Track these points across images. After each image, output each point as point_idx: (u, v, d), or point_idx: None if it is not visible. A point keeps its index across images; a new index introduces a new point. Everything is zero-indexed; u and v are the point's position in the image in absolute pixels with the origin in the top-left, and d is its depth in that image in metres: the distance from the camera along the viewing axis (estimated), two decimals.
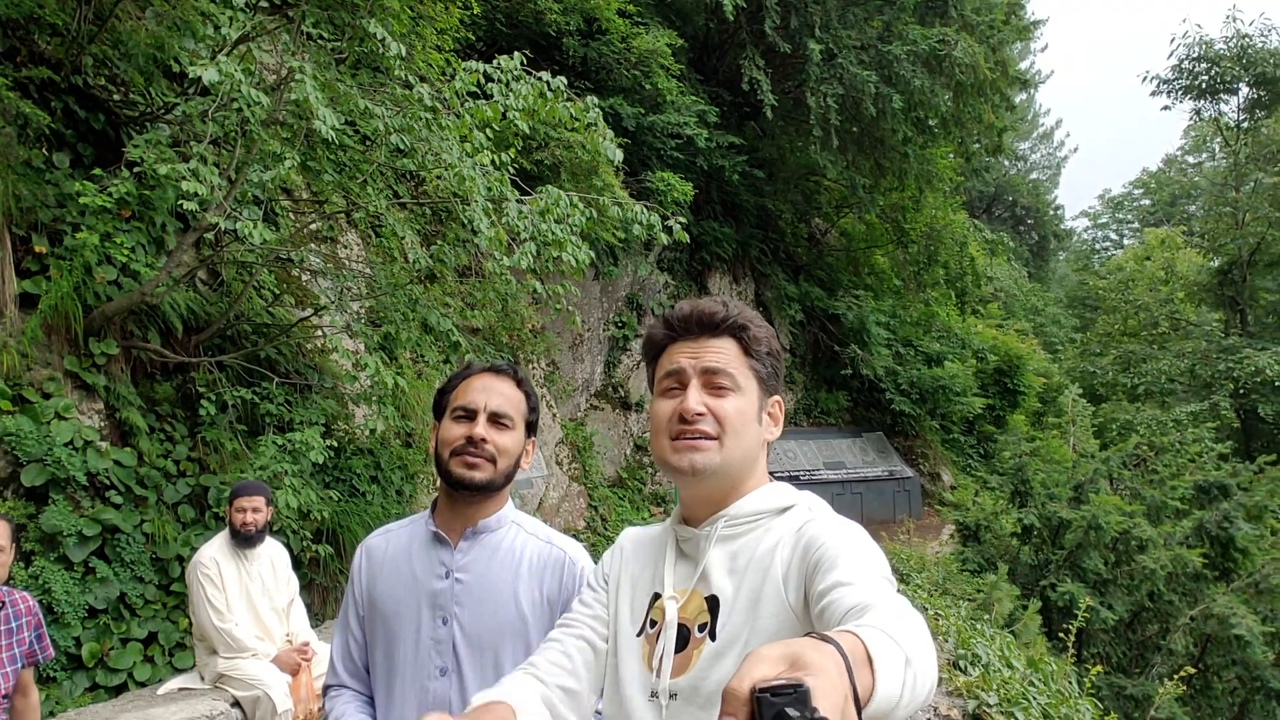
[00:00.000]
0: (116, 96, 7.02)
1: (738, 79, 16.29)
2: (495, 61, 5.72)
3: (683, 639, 1.39)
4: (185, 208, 4.53)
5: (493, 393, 2.07)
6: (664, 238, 6.90)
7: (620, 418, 15.78)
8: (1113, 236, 49.13)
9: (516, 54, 5.76)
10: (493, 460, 2.01)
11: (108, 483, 5.75)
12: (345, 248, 9.37)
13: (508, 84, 5.65)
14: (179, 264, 6.33)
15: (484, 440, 1.99)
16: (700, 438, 1.40)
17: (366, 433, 7.31)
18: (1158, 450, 12.49)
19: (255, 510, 4.80)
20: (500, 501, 2.14)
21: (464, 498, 2.04)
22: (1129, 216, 47.29)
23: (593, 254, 6.99)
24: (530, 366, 11.52)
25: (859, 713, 0.83)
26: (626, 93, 13.33)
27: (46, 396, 5.75)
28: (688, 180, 13.41)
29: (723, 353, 1.46)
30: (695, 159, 14.62)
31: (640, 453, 16.00)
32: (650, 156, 13.49)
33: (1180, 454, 12.51)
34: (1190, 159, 38.30)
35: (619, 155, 6.00)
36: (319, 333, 7.83)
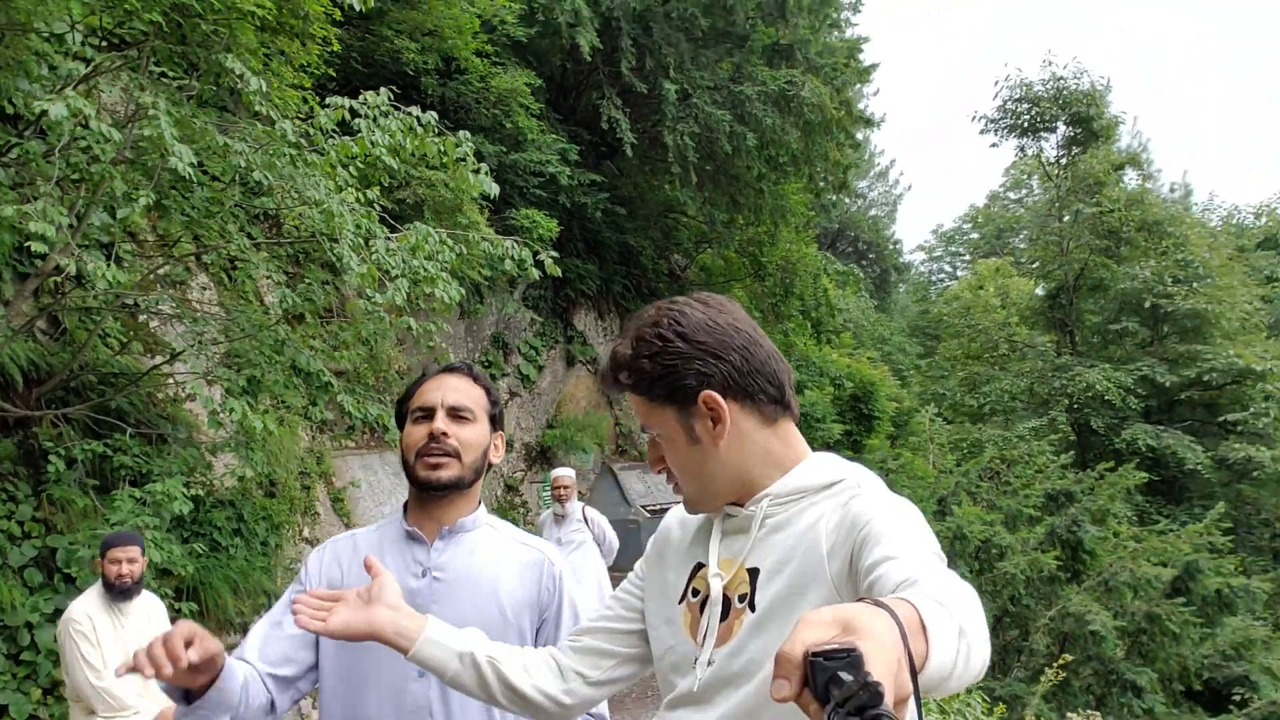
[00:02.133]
0: None
1: (596, 118, 16.50)
2: (361, 97, 5.62)
3: (724, 609, 1.40)
4: (35, 249, 4.25)
5: (448, 389, 2.06)
6: (534, 273, 6.88)
7: None
8: (947, 268, 51.79)
9: (384, 89, 5.68)
10: (457, 455, 1.98)
11: None
12: (198, 291, 8.99)
13: (375, 119, 5.56)
14: (18, 313, 5.95)
15: (445, 435, 1.97)
16: (678, 488, 1.50)
17: (230, 482, 6.99)
18: (1009, 463, 13.22)
19: (130, 561, 4.54)
20: (472, 501, 2.11)
21: (434, 498, 2.01)
22: (960, 249, 50.05)
23: (462, 291, 6.92)
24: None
25: (914, 679, 0.82)
26: (487, 131, 13.29)
27: None
28: (551, 217, 13.45)
29: (639, 413, 1.48)
30: (558, 196, 14.68)
31: (511, 493, 15.81)
32: (514, 195, 13.46)
33: (1029, 465, 13.29)
34: (1012, 195, 40.99)
35: (495, 189, 5.98)
36: (170, 380, 7.47)
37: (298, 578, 2.06)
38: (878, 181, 50.81)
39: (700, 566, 1.48)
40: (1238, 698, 10.62)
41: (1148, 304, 20.34)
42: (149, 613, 4.77)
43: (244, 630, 7.32)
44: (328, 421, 9.61)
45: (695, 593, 1.47)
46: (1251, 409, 18.82)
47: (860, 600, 0.88)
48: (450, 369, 2.13)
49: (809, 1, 18.59)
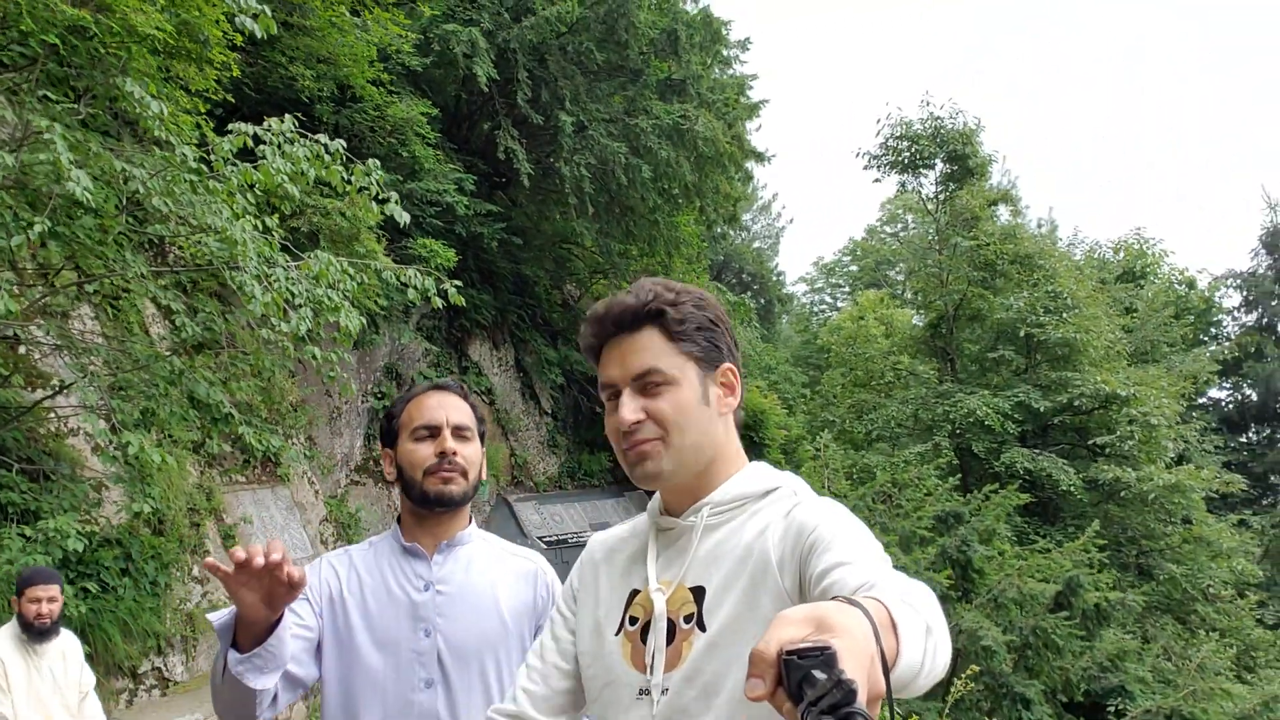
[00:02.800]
0: None
1: (491, 147, 16.51)
2: (266, 123, 5.54)
3: (669, 632, 1.35)
4: None
5: (450, 408, 2.14)
6: (438, 302, 6.86)
7: (384, 492, 15.24)
8: (828, 299, 53.23)
9: (288, 116, 5.61)
10: (464, 473, 2.09)
11: None
12: (80, 321, 8.62)
13: (279, 146, 5.48)
14: None
15: (455, 453, 2.07)
16: (644, 444, 1.37)
17: (118, 519, 6.71)
18: (900, 487, 13.69)
19: (51, 600, 4.38)
20: (465, 515, 2.21)
21: (437, 514, 2.11)
22: (840, 281, 51.60)
23: (363, 320, 6.84)
24: (290, 441, 10.96)
25: (886, 676, 0.82)
26: (383, 159, 13.11)
27: None
28: (449, 247, 13.38)
29: (646, 350, 1.41)
30: (454, 226, 14.61)
31: None
32: (410, 224, 13.33)
33: (919, 489, 13.77)
34: (888, 229, 42.49)
35: (406, 217, 5.96)
36: (52, 414, 7.15)
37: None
38: (761, 214, 51.79)
39: (636, 593, 1.44)
40: (1113, 708, 11.21)
41: (1022, 333, 21.34)
42: (64, 652, 4.58)
43: (134, 674, 7.00)
44: (217, 456, 9.30)
45: (634, 620, 1.42)
46: (1118, 432, 19.90)
47: (834, 598, 0.89)
48: (442, 387, 2.22)
49: (699, 38, 19.05)
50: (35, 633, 4.35)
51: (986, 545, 11.90)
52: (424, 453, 2.08)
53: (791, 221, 63.96)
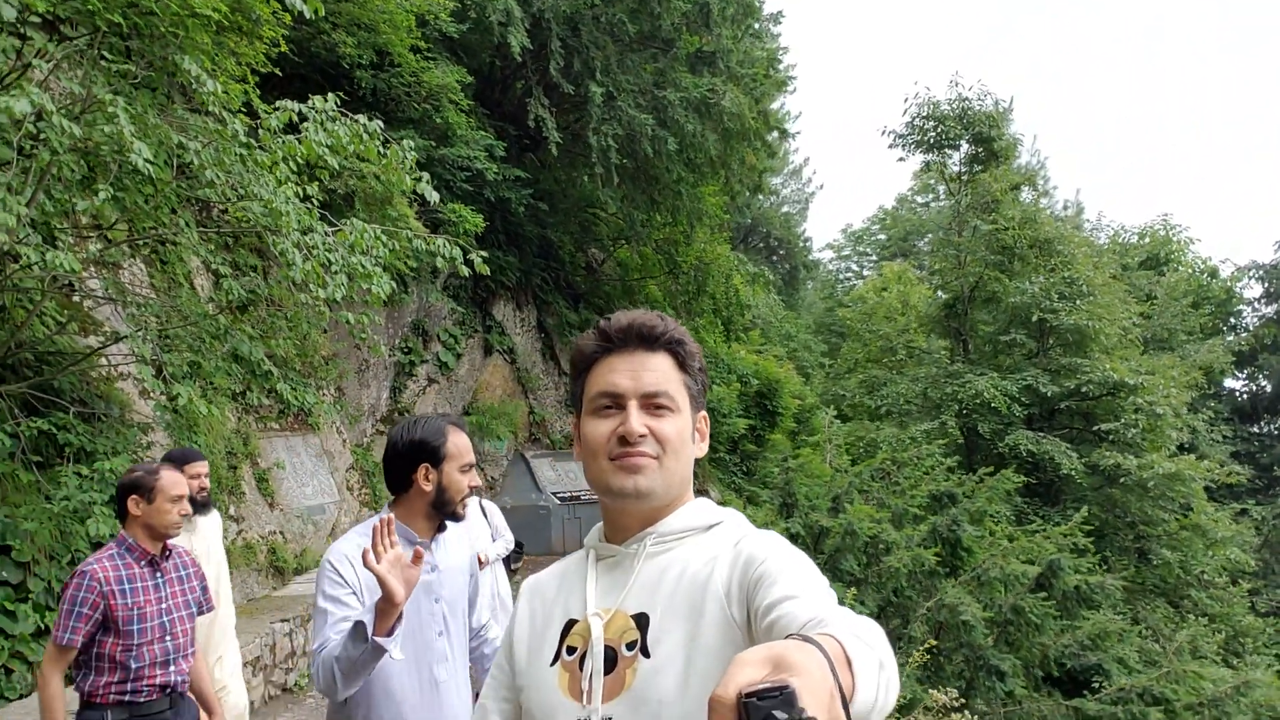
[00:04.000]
0: None
1: (521, 112, 16.78)
2: (310, 101, 5.89)
3: (609, 660, 1.33)
4: (36, 249, 4.46)
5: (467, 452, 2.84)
6: (464, 270, 7.22)
7: None
8: (854, 268, 52.75)
9: (331, 95, 5.96)
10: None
11: None
12: (129, 274, 9.06)
13: (322, 123, 5.84)
14: None
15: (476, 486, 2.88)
16: (643, 456, 1.37)
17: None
18: (899, 465, 14.03)
19: (205, 475, 4.64)
20: None
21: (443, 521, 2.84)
22: (868, 250, 51.18)
23: (394, 284, 7.23)
24: (321, 392, 11.41)
25: (847, 712, 0.82)
26: (417, 124, 13.48)
27: None
28: (477, 211, 13.71)
29: (660, 371, 1.42)
30: (483, 190, 14.93)
31: None
32: (441, 188, 13.64)
33: (918, 468, 14.11)
34: (920, 199, 42.04)
35: (435, 196, 6.30)
36: (102, 360, 7.59)
37: (335, 579, 2.57)
38: (791, 179, 50.95)
39: (573, 623, 1.43)
40: (1096, 685, 11.60)
41: (1035, 318, 21.49)
42: (215, 530, 4.84)
43: None
44: (254, 405, 9.77)
45: (571, 650, 1.40)
46: (1123, 420, 20.10)
47: (789, 636, 0.91)
48: (459, 425, 2.89)
49: (732, 11, 19.12)
50: (197, 506, 4.49)
51: (977, 526, 12.30)
52: (464, 482, 2.76)
53: (822, 187, 63.08)
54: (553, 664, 1.41)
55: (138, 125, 5.37)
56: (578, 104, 17.16)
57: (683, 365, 1.46)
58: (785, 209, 50.75)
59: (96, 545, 6.21)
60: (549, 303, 20.64)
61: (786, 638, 0.90)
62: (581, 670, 1.35)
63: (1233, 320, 36.71)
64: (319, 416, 10.90)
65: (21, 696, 5.80)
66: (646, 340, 1.43)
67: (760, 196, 38.35)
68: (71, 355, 6.48)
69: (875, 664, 0.93)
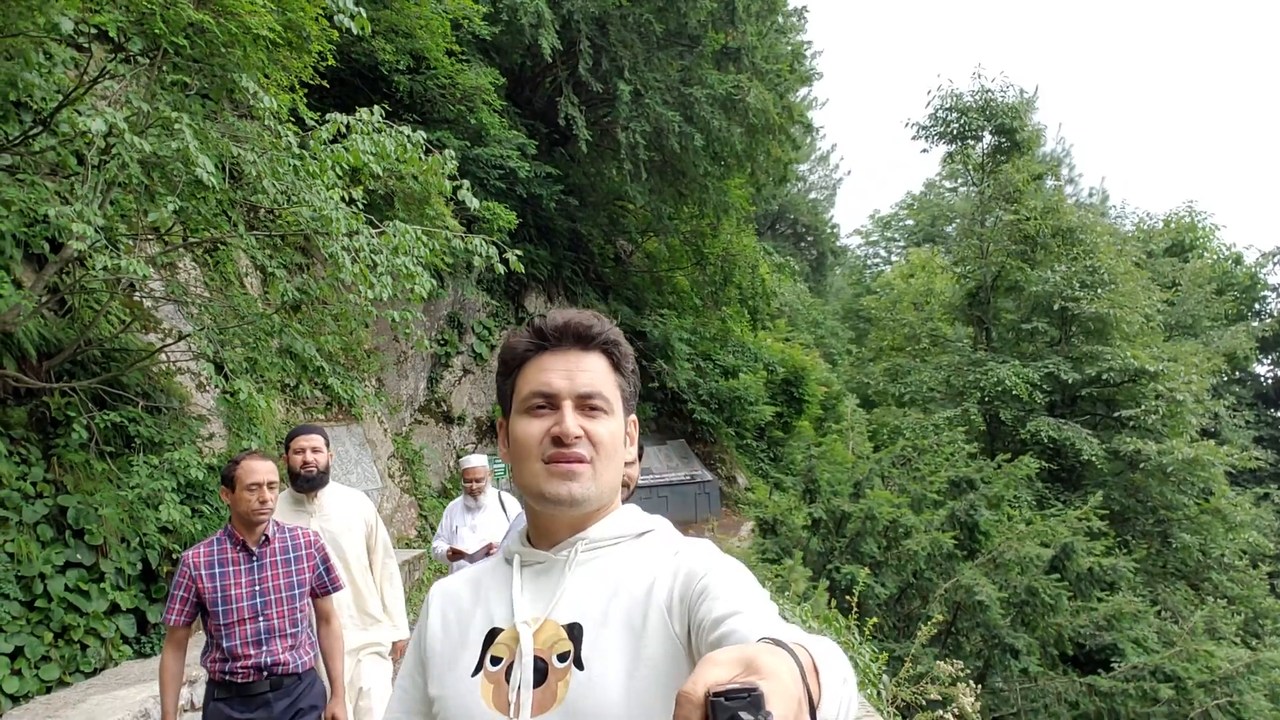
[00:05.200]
0: None
1: (550, 110, 17.08)
2: (357, 114, 6.19)
3: (539, 672, 1.27)
4: (75, 247, 4.79)
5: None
6: (500, 269, 7.51)
7: (444, 431, 16.13)
8: (882, 253, 52.36)
9: (376, 108, 6.26)
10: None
11: None
12: (184, 273, 9.44)
13: (369, 134, 6.14)
14: (34, 293, 6.43)
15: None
16: (575, 462, 1.32)
17: (219, 449, 7.54)
18: (920, 451, 14.21)
19: (315, 450, 4.32)
20: None
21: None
22: (895, 235, 50.82)
23: (434, 282, 7.54)
24: (364, 384, 11.78)
25: (814, 717, 0.82)
26: (452, 125, 13.80)
27: None
28: (510, 208, 14.02)
29: (594, 372, 1.37)
30: (515, 187, 15.24)
31: None
32: (475, 186, 13.99)
33: (938, 454, 14.29)
34: (947, 184, 41.79)
35: (475, 203, 6.59)
36: (163, 356, 7.96)
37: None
38: (818, 165, 50.96)
39: (496, 631, 1.35)
40: (1113, 664, 11.79)
41: (1057, 306, 21.52)
42: (341, 506, 4.51)
43: None
44: (300, 397, 10.13)
45: (495, 660, 1.31)
46: (1143, 406, 20.13)
47: (761, 640, 0.90)
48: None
49: (757, 7, 19.27)
50: (304, 482, 4.27)
51: (994, 510, 12.51)
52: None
53: (849, 173, 62.64)
54: (474, 674, 1.32)
55: (200, 139, 5.69)
56: (606, 101, 17.41)
57: (617, 366, 1.41)
58: (813, 195, 50.70)
59: (165, 530, 6.60)
60: (579, 294, 20.95)
61: (758, 641, 0.90)
62: (508, 682, 1.28)
63: (1257, 306, 36.40)
64: (361, 407, 11.26)
65: (96, 670, 6.19)
66: (582, 340, 1.39)
67: (786, 185, 38.37)
68: (137, 352, 6.85)
69: (840, 678, 0.92)
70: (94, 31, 7.17)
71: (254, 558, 3.59)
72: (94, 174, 5.20)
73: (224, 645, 3.49)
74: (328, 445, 4.38)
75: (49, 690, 5.99)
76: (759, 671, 0.77)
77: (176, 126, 5.32)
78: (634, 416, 1.47)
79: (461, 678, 1.33)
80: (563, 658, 1.26)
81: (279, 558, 3.64)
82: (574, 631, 1.28)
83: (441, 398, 16.23)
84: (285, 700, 3.56)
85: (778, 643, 0.87)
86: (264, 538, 3.63)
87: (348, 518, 4.48)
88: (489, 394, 17.53)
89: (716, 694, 0.74)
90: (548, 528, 1.39)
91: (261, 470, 3.58)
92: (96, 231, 5.14)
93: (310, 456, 4.26)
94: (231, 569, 3.55)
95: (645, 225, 23.28)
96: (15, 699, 5.72)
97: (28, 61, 6.75)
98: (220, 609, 3.51)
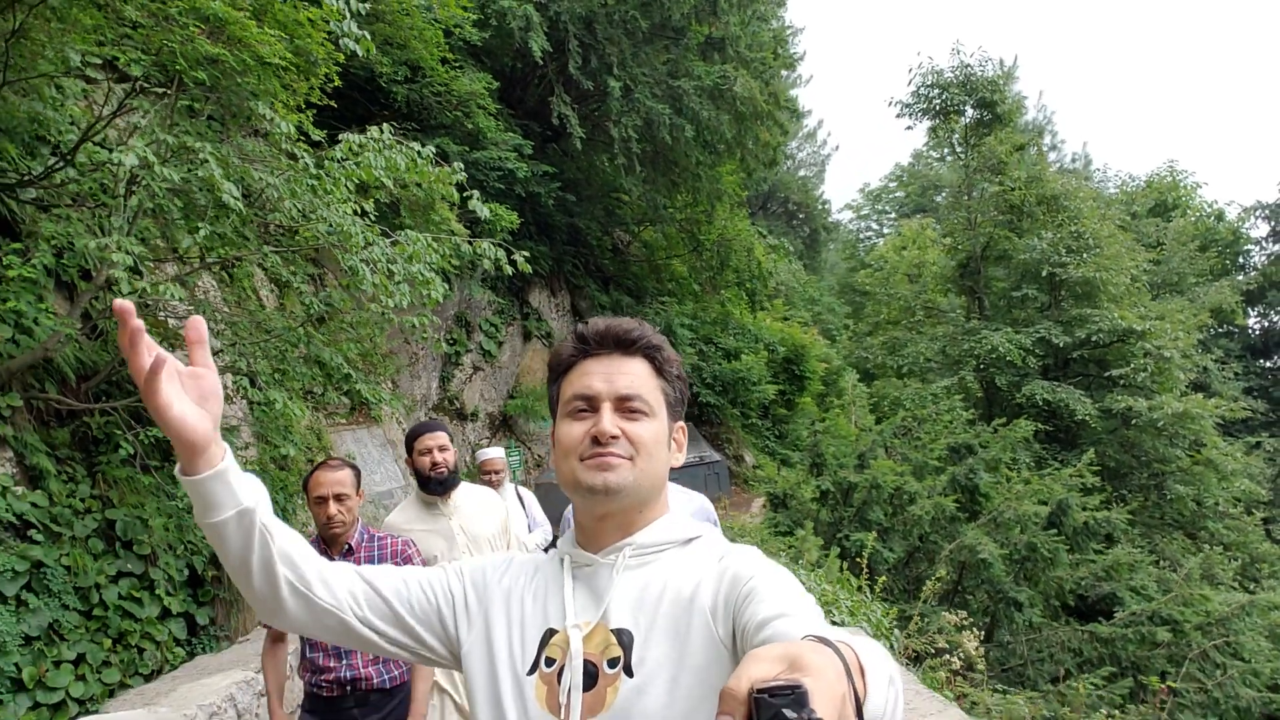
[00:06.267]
0: None
1: (542, 109, 17.26)
2: (368, 131, 6.42)
3: (590, 676, 1.27)
4: (116, 275, 5.02)
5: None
6: (509, 270, 7.74)
7: (458, 428, 16.39)
8: (874, 226, 52.27)
9: (385, 125, 6.48)
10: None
11: (30, 522, 6.07)
12: (201, 291, 9.68)
13: (380, 150, 6.37)
14: (63, 321, 6.67)
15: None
16: (614, 455, 1.32)
17: (249, 457, 7.79)
18: (920, 421, 14.49)
19: (442, 449, 3.95)
20: None
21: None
22: (886, 208, 50.78)
23: (446, 286, 7.77)
24: (380, 386, 12.03)
25: (860, 717, 0.80)
26: (449, 130, 14.00)
27: None
28: (510, 208, 14.22)
29: (635, 375, 1.37)
30: (514, 187, 15.44)
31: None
32: (475, 189, 14.20)
33: (937, 423, 14.56)
34: (934, 154, 41.73)
35: (486, 212, 6.81)
36: None
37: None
38: (806, 142, 50.53)
39: (552, 633, 1.34)
40: (1114, 613, 12.09)
41: (1045, 272, 21.72)
42: (478, 505, 4.15)
43: None
44: (327, 404, 10.39)
45: (550, 662, 1.31)
46: (1133, 364, 20.37)
47: (805, 637, 0.89)
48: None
49: None
50: (436, 485, 3.94)
51: (993, 473, 12.83)
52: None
53: (837, 148, 62.27)
54: (530, 673, 1.32)
55: (222, 166, 5.93)
56: (597, 97, 17.59)
57: (660, 371, 1.41)
58: (802, 173, 50.33)
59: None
60: (581, 287, 21.17)
61: (803, 638, 0.88)
62: (560, 684, 1.28)
63: (1241, 260, 36.58)
64: (379, 408, 11.53)
65: (155, 672, 6.46)
66: (623, 344, 1.40)
67: (776, 167, 38.33)
68: None
69: (886, 678, 0.89)
70: (99, 62, 7.43)
71: None
72: (119, 204, 5.43)
73: (308, 655, 3.41)
74: (451, 441, 4.03)
75: (112, 693, 6.26)
76: (804, 668, 0.75)
77: (201, 156, 5.55)
78: (681, 424, 1.46)
79: (519, 674, 1.33)
80: (613, 663, 1.27)
81: None
82: (623, 638, 1.28)
83: (454, 395, 16.48)
84: (374, 717, 3.39)
85: (823, 640, 0.85)
86: (347, 547, 3.47)
87: (487, 517, 4.15)
88: (499, 390, 17.78)
89: (760, 690, 0.73)
90: (593, 529, 1.39)
91: (325, 483, 3.41)
92: (134, 259, 5.38)
93: (439, 456, 3.90)
94: None
95: (641, 215, 23.45)
96: (81, 702, 6.00)
97: (41, 96, 6.98)
98: None
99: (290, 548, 1.30)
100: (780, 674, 0.75)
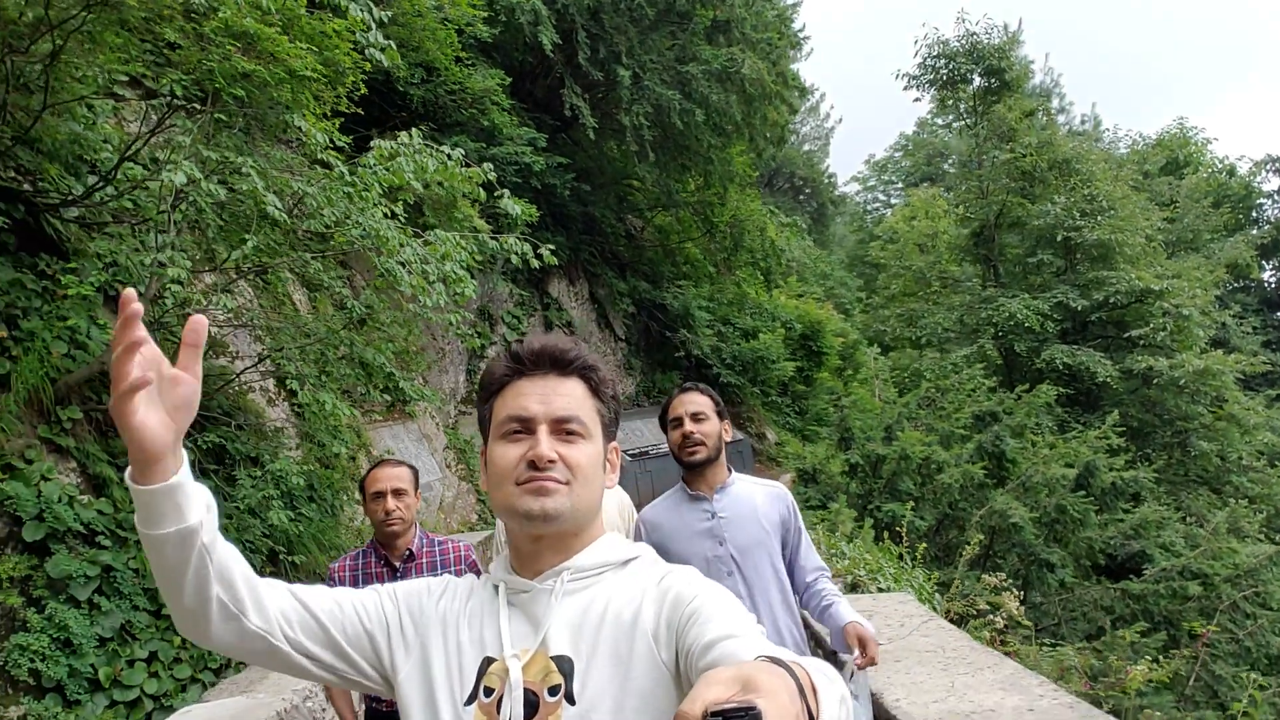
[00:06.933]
0: (26, 187, 7.39)
1: (553, 100, 17.36)
2: (399, 137, 6.58)
3: (530, 705, 1.23)
4: (171, 289, 5.22)
5: (689, 403, 3.01)
6: (535, 263, 7.91)
7: None
8: (881, 197, 51.91)
9: (415, 130, 6.64)
10: (703, 443, 2.98)
11: (97, 529, 6.31)
12: (237, 297, 9.89)
13: (412, 155, 6.53)
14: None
15: (692, 432, 2.98)
16: (550, 480, 1.28)
17: (296, 457, 8.02)
18: (943, 391, 14.59)
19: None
20: (722, 468, 3.07)
21: (699, 471, 3.01)
22: (893, 178, 50.39)
23: (475, 282, 7.95)
24: (414, 382, 12.26)
25: None
26: (464, 127, 14.15)
27: (29, 462, 6.25)
28: (528, 201, 14.35)
29: (572, 397, 1.33)
30: (530, 180, 15.59)
31: None
32: (495, 185, 14.38)
33: (960, 391, 14.66)
34: (939, 121, 41.36)
35: (517, 210, 6.97)
36: (236, 377, 8.43)
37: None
38: (809, 116, 49.93)
39: (490, 661, 1.30)
40: (1144, 570, 12.21)
41: (1059, 237, 21.67)
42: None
43: (323, 579, 8.41)
44: (368, 401, 10.60)
45: (489, 691, 1.27)
46: (1152, 324, 20.34)
47: (758, 658, 0.89)
48: (686, 389, 3.09)
49: None
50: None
51: (1018, 439, 12.95)
52: (676, 435, 3.01)
53: (840, 121, 61.46)
54: (468, 704, 1.28)
55: (263, 179, 6.11)
56: (607, 86, 17.67)
57: (595, 392, 1.37)
58: (806, 147, 49.86)
59: (267, 535, 7.08)
60: (598, 275, 21.31)
61: (755, 659, 0.88)
62: (499, 714, 1.24)
63: (1254, 215, 36.30)
64: (414, 404, 11.74)
65: (222, 666, 6.70)
66: (559, 365, 1.35)
67: (784, 145, 38.14)
68: (222, 376, 7.30)
69: (837, 698, 0.89)
70: (125, 79, 7.63)
71: (397, 574, 3.33)
72: (164, 219, 5.62)
73: None
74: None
75: (184, 689, 6.52)
76: (757, 689, 0.75)
77: (244, 170, 5.73)
78: (615, 444, 1.43)
79: (456, 702, 1.29)
80: (553, 691, 1.23)
81: (426, 575, 3.12)
82: (563, 665, 1.25)
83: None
84: None
85: (775, 660, 0.85)
86: (408, 553, 3.38)
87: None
88: None
89: (714, 712, 0.72)
90: (530, 553, 1.34)
91: (384, 478, 3.35)
92: (187, 271, 5.58)
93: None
94: (375, 585, 3.34)
95: (654, 201, 23.53)
96: (156, 698, 6.25)
97: (74, 115, 7.19)
98: None
99: (228, 566, 1.23)
100: (734, 696, 0.74)
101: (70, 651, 5.86)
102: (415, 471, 3.50)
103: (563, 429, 1.31)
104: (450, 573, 3.14)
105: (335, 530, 8.36)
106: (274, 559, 7.31)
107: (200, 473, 6.86)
